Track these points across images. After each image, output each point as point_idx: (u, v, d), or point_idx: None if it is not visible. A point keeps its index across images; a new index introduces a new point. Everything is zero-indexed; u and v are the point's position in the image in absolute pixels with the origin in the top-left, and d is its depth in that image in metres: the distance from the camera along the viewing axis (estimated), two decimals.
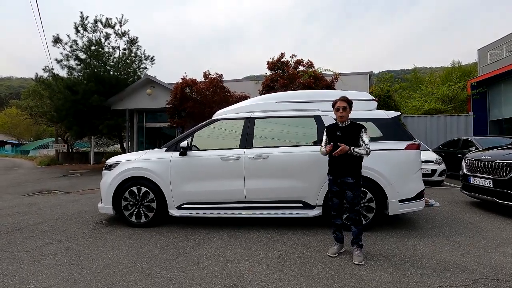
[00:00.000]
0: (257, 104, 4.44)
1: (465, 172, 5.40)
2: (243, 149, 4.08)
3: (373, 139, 3.99)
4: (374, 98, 4.36)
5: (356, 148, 2.98)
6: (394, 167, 3.86)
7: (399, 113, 4.24)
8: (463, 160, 5.62)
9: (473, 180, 5.11)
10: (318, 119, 4.11)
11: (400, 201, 3.82)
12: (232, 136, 4.24)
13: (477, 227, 4.09)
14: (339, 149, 2.92)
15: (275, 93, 4.69)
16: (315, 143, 4.00)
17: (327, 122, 4.07)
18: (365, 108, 4.25)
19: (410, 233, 3.83)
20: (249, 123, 4.22)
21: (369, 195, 3.84)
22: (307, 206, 3.94)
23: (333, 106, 3.18)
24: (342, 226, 3.20)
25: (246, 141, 4.13)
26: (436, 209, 5.07)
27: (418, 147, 3.99)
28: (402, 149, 3.90)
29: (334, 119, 3.44)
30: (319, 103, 4.23)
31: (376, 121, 4.07)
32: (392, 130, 4.02)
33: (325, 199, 3.89)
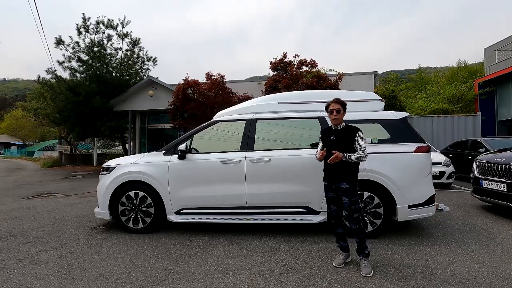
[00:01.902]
0: (259, 105, 4.27)
1: (476, 175, 5.17)
2: (244, 152, 3.92)
3: (381, 141, 3.82)
4: (381, 98, 4.16)
5: (351, 155, 2.81)
6: (403, 170, 3.66)
7: (407, 113, 4.04)
8: (474, 163, 5.39)
9: (485, 184, 4.88)
10: (322, 120, 3.93)
11: (409, 206, 3.61)
12: (232, 138, 4.08)
13: (491, 234, 3.87)
14: (333, 157, 2.74)
15: (277, 94, 4.52)
16: (313, 146, 3.82)
17: None
18: (372, 108, 4.06)
19: (421, 240, 3.62)
20: (250, 124, 4.06)
21: (376, 200, 3.64)
22: (311, 211, 3.75)
23: (326, 108, 3.02)
24: (344, 234, 3.02)
25: (247, 143, 3.96)
26: (446, 214, 4.85)
27: (428, 150, 3.78)
28: (412, 152, 3.70)
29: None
30: (323, 104, 4.03)
31: (384, 122, 3.88)
32: (400, 132, 3.83)
33: None
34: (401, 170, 3.65)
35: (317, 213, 3.75)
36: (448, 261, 3.00)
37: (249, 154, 3.88)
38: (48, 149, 33.16)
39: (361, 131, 2.94)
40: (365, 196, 3.66)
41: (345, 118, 3.88)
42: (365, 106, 4.06)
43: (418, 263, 2.96)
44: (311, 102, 4.10)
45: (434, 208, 3.76)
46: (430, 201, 3.71)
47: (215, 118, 4.46)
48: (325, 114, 3.95)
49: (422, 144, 3.78)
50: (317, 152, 3.16)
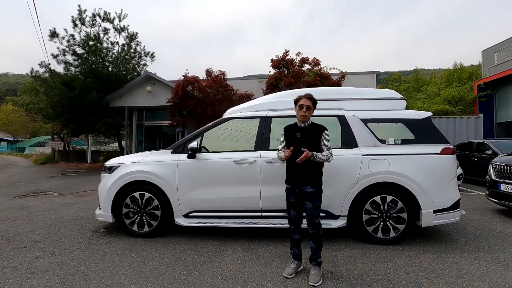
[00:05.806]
0: (274, 102, 4.02)
1: (493, 178, 5.02)
2: (259, 151, 3.67)
3: (404, 142, 3.62)
4: (403, 97, 3.96)
5: (320, 154, 2.62)
6: (428, 173, 3.46)
7: (430, 113, 3.84)
8: (490, 165, 5.24)
9: (503, 187, 4.73)
10: (342, 119, 3.70)
11: (434, 211, 3.42)
12: (246, 137, 3.83)
13: None
14: (302, 155, 2.52)
15: (294, 90, 4.28)
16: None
17: (352, 123, 3.67)
18: (393, 107, 3.85)
19: (446, 247, 3.43)
20: (265, 122, 3.81)
21: (400, 204, 3.44)
22: (330, 216, 3.52)
23: (295, 103, 2.78)
24: (300, 241, 2.83)
25: (262, 142, 3.71)
26: (463, 218, 4.67)
27: (454, 152, 3.59)
28: (437, 154, 3.50)
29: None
30: (343, 102, 3.83)
31: (407, 122, 3.67)
32: (424, 132, 3.63)
33: (351, 209, 3.49)
34: (426, 172, 3.46)
35: (336, 217, 3.53)
36: (482, 271, 2.81)
37: (265, 154, 3.63)
38: (39, 145, 32.33)
39: (327, 129, 2.75)
40: (387, 200, 3.45)
41: (367, 116, 3.70)
42: (386, 105, 3.85)
43: (451, 273, 2.76)
44: (331, 100, 3.85)
45: (460, 214, 3.58)
46: (455, 205, 3.53)
47: (226, 115, 4.21)
48: (345, 113, 3.74)
49: (447, 145, 3.58)
50: (279, 150, 2.92)
